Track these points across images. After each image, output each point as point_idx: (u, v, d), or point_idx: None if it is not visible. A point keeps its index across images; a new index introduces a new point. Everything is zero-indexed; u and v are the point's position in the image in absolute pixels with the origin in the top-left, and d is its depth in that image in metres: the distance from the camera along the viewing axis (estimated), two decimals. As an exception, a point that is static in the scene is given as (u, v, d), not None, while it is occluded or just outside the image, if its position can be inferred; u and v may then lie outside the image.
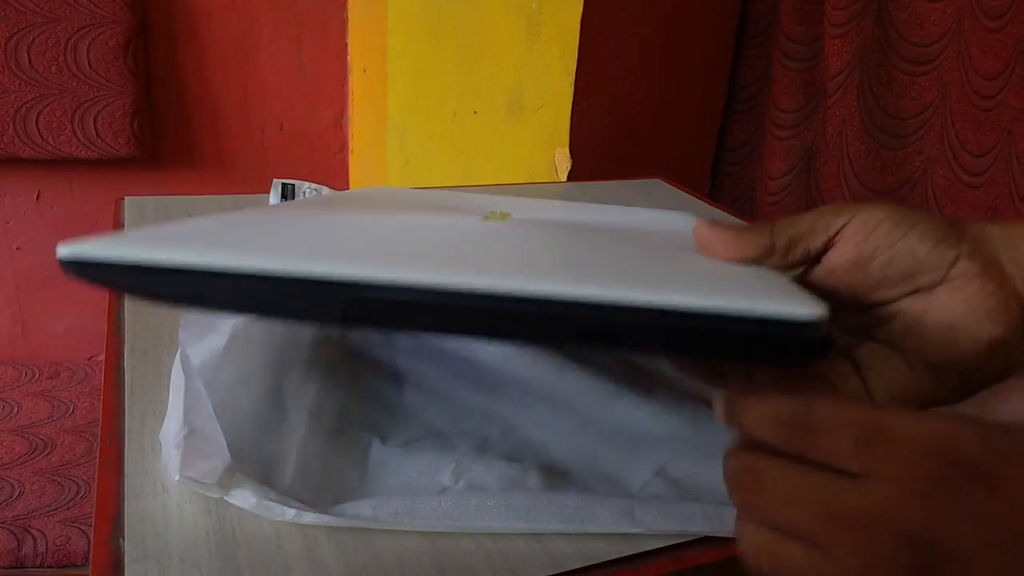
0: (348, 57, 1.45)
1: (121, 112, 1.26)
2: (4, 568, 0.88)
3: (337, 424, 0.39)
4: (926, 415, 0.25)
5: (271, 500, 0.33)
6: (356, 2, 1.40)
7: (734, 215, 0.77)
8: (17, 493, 0.95)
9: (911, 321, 0.32)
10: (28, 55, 1.20)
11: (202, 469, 0.33)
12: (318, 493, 0.35)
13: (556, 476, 0.37)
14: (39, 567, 0.89)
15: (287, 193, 0.64)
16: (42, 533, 0.90)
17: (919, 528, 0.23)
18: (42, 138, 1.24)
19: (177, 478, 0.33)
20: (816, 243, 0.34)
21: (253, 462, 0.35)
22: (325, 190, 0.66)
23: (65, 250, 0.30)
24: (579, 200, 0.78)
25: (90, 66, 1.23)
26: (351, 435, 0.39)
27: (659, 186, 0.85)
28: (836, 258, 0.33)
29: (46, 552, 0.90)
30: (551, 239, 0.41)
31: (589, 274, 0.30)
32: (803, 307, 0.27)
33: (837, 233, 0.34)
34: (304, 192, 0.65)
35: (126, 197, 0.68)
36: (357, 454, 0.38)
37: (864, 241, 0.33)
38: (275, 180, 0.65)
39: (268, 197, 0.65)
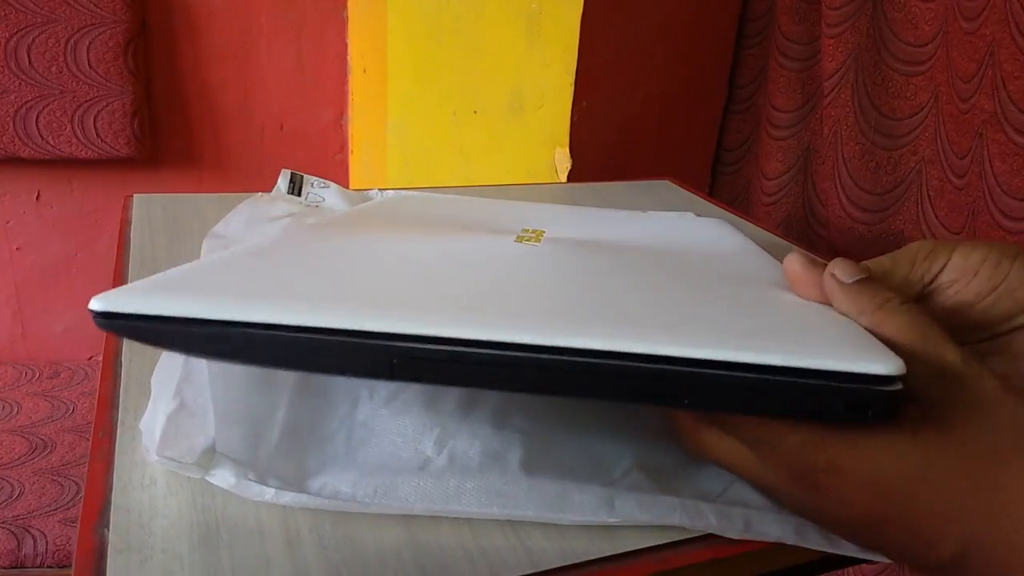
0: (348, 57, 1.46)
1: (121, 112, 1.26)
2: (4, 568, 0.88)
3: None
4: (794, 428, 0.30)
5: (249, 479, 0.33)
6: (356, 2, 1.41)
7: (735, 215, 0.77)
8: (17, 493, 0.95)
9: (1015, 355, 0.33)
10: (28, 55, 1.21)
11: (182, 448, 0.33)
12: (302, 457, 0.35)
13: (538, 452, 0.37)
14: (39, 567, 0.90)
15: (295, 180, 0.65)
16: (42, 533, 0.91)
17: (786, 500, 0.33)
18: (42, 138, 1.24)
19: (155, 458, 0.33)
20: (912, 292, 0.34)
21: (242, 420, 0.35)
22: (333, 185, 0.66)
23: (98, 303, 0.29)
24: (588, 202, 0.78)
25: (90, 66, 1.23)
26: (341, 385, 0.38)
27: (668, 188, 0.85)
28: (934, 305, 0.33)
29: (46, 552, 0.90)
30: (591, 271, 0.40)
31: (648, 327, 0.30)
32: (880, 362, 0.27)
33: (933, 280, 0.34)
34: (312, 183, 0.65)
35: (135, 195, 0.69)
36: (345, 409, 0.37)
37: (965, 288, 0.33)
38: (284, 170, 0.65)
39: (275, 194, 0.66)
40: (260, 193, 0.62)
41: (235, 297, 0.30)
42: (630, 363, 0.27)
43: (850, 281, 0.32)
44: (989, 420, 0.29)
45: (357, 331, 0.28)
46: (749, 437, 0.32)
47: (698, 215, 0.64)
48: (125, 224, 0.63)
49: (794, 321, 0.32)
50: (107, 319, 0.29)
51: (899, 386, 0.27)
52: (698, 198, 0.82)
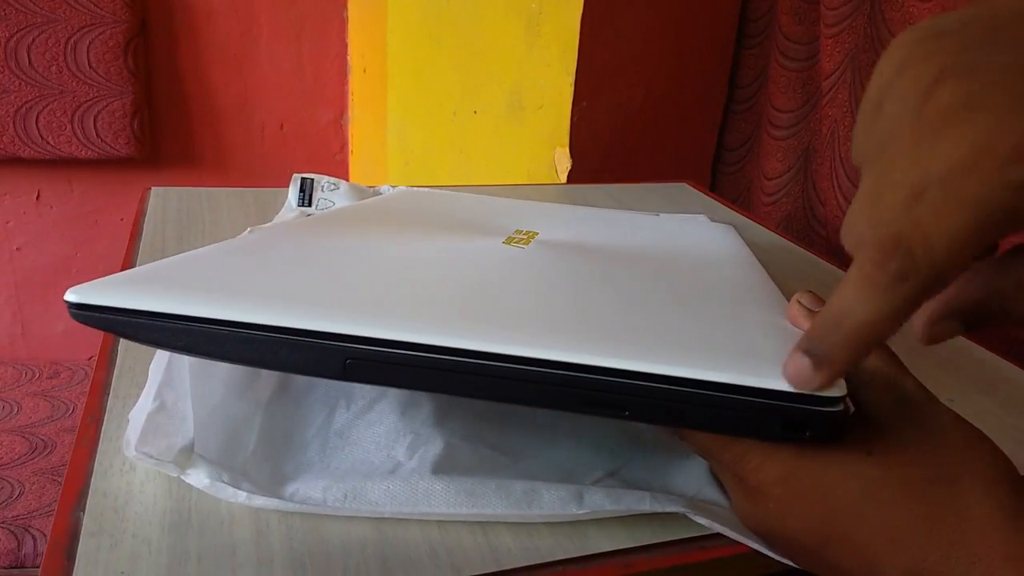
0: (348, 57, 1.46)
1: (121, 112, 1.26)
2: (4, 568, 0.88)
3: (305, 383, 0.39)
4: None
5: (223, 482, 0.33)
6: (356, 2, 1.41)
7: (745, 216, 0.77)
8: (17, 493, 0.95)
9: None
10: (28, 55, 1.21)
11: (159, 446, 0.34)
12: (276, 464, 0.35)
13: (508, 465, 0.37)
14: (39, 567, 0.90)
15: (306, 187, 0.65)
16: (42, 533, 0.91)
17: (738, 510, 0.33)
18: (42, 138, 1.24)
19: (133, 453, 0.33)
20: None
21: (220, 427, 0.35)
22: (343, 184, 0.66)
23: (73, 295, 0.30)
24: (599, 204, 0.77)
25: (90, 66, 1.23)
26: (318, 394, 0.39)
27: (685, 191, 0.85)
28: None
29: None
30: (568, 278, 0.40)
31: (595, 338, 0.31)
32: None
33: None
34: (323, 186, 0.66)
35: (152, 188, 0.69)
36: (321, 418, 0.38)
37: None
38: (295, 175, 0.66)
39: (286, 191, 0.66)
40: (249, 228, 0.61)
41: (201, 294, 0.31)
42: (572, 373, 0.28)
43: (816, 310, 0.34)
44: (945, 445, 0.29)
45: (311, 331, 0.29)
46: (699, 445, 0.33)
47: (712, 219, 0.63)
48: (139, 215, 0.64)
49: (752, 340, 0.33)
50: (81, 311, 0.30)
51: (839, 408, 0.27)
52: (718, 203, 0.81)
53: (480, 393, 0.29)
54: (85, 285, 0.31)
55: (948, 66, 0.24)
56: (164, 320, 0.30)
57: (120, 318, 0.30)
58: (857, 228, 0.25)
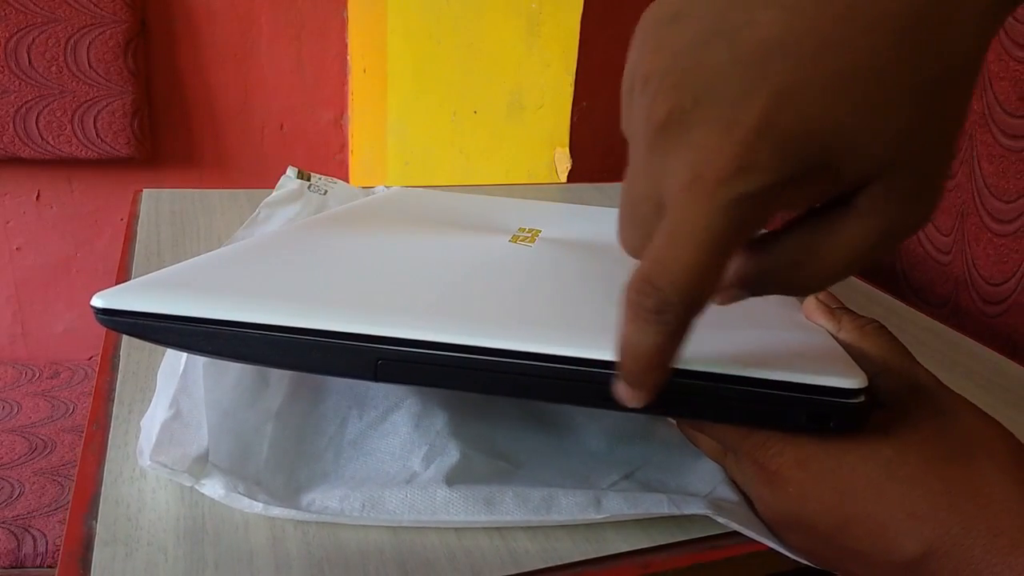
0: (348, 57, 1.45)
1: (121, 112, 1.26)
2: (4, 568, 0.88)
3: (316, 393, 0.39)
4: None
5: (239, 492, 0.33)
6: (356, 2, 1.41)
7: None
8: (17, 493, 0.95)
9: None
10: (28, 55, 1.21)
11: (174, 456, 0.33)
12: (291, 473, 0.35)
13: (524, 477, 0.36)
14: (39, 567, 0.90)
15: (303, 175, 0.65)
16: (42, 533, 0.90)
17: (758, 503, 0.34)
18: (42, 138, 1.24)
19: (148, 463, 0.33)
20: None
21: (231, 435, 0.35)
22: (339, 183, 0.66)
23: (100, 300, 0.31)
24: (595, 203, 0.77)
25: (90, 66, 1.23)
26: (329, 405, 0.39)
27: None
28: None
29: (46, 552, 0.90)
30: (578, 275, 0.41)
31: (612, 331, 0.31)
32: (844, 376, 0.28)
33: None
34: (320, 179, 0.65)
35: (144, 190, 0.69)
36: (334, 428, 0.38)
37: None
38: (290, 167, 0.65)
39: (281, 189, 0.65)
40: (242, 227, 0.60)
41: (231, 297, 0.31)
42: (597, 370, 0.29)
43: (834, 307, 0.36)
44: (959, 426, 0.30)
45: (344, 333, 0.30)
46: (716, 435, 0.33)
47: None
48: (133, 218, 0.64)
49: (772, 334, 0.33)
50: (108, 316, 0.31)
51: (862, 399, 0.28)
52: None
53: (506, 391, 0.30)
54: (111, 290, 0.31)
55: (666, 72, 0.23)
56: (194, 324, 0.30)
57: (149, 323, 0.30)
58: (626, 235, 0.27)
